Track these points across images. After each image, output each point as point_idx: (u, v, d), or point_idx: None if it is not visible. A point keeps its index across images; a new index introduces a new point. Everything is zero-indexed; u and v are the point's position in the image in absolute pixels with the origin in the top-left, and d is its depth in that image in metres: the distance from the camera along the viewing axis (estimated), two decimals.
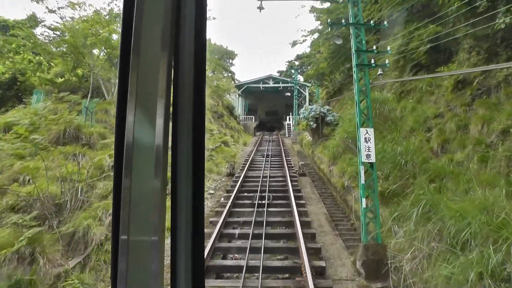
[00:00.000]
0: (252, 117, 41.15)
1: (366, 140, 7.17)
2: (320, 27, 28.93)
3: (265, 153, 21.16)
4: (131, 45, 0.85)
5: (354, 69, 7.70)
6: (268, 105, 49.04)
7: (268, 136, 35.49)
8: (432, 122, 10.61)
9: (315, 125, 20.66)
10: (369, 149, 7.15)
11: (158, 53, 0.87)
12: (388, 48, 8.10)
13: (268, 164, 17.38)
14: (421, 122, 10.99)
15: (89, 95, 16.21)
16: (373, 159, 7.15)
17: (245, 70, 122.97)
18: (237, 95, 40.94)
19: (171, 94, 0.90)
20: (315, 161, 19.79)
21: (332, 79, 31.12)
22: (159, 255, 0.85)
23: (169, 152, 0.92)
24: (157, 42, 0.87)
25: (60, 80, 21.50)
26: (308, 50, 46.25)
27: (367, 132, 7.21)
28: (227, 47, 53.33)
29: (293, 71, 51.24)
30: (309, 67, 38.95)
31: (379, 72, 7.96)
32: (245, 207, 10.37)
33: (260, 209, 9.75)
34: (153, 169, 0.85)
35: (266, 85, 40.44)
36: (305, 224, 8.64)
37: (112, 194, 0.93)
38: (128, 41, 0.85)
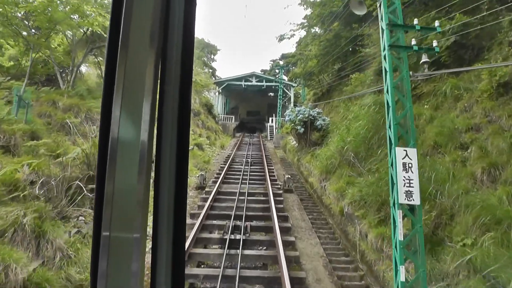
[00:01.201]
0: (232, 117, 38.05)
1: (405, 168, 4.42)
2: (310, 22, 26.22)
3: (244, 159, 18.25)
4: (119, 39, 0.84)
5: (384, 53, 4.95)
6: (250, 104, 46.19)
7: (248, 138, 32.61)
8: (465, 137, 8.03)
9: (302, 129, 17.99)
10: (410, 183, 4.41)
11: (147, 49, 0.86)
12: (436, 23, 5.39)
13: (247, 174, 14.51)
14: (448, 136, 8.39)
15: (25, 81, 12.85)
16: (417, 199, 4.41)
17: (227, 67, 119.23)
18: (217, 93, 37.85)
19: (158, 90, 0.89)
20: (302, 172, 17.10)
21: (321, 79, 28.64)
22: (140, 252, 0.83)
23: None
24: (146, 37, 0.86)
25: (9, 64, 18.00)
26: (295, 48, 43.64)
27: (406, 155, 4.46)
28: (209, 40, 50.17)
29: (277, 70, 48.65)
30: (293, 68, 36.31)
31: (424, 59, 5.27)
32: (212, 244, 7.49)
33: (233, 251, 6.87)
34: (138, 165, 0.83)
35: (249, 83, 37.43)
36: (298, 282, 5.84)
37: (94, 190, 0.90)
38: (116, 35, 0.84)
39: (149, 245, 0.89)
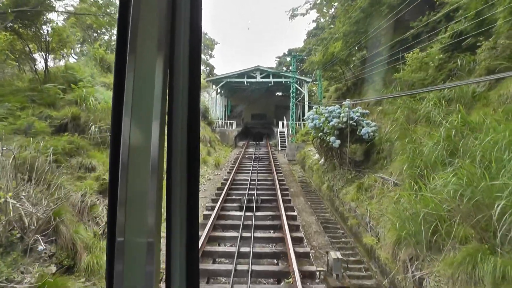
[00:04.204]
0: (233, 122, 31.13)
1: None
2: None
3: (245, 194, 11.42)
4: (128, 45, 0.84)
5: None
6: (255, 106, 39.48)
7: (253, 148, 25.84)
8: None
9: (338, 142, 11.16)
10: None
11: (155, 54, 0.85)
12: None
13: (249, 236, 7.77)
14: None
15: None
16: None
17: (227, 67, 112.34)
18: (214, 93, 31.13)
19: (167, 95, 0.89)
20: (343, 215, 10.19)
21: (345, 71, 21.81)
22: (155, 257, 0.83)
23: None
24: (153, 43, 0.85)
25: None
26: (304, 41, 36.72)
27: None
28: (206, 33, 43.60)
29: (284, 68, 41.85)
30: (306, 58, 29.38)
31: None
32: None
33: None
34: (149, 171, 0.83)
35: (252, 80, 30.51)
36: None
37: (107, 196, 0.89)
38: (125, 41, 0.84)
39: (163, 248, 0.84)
